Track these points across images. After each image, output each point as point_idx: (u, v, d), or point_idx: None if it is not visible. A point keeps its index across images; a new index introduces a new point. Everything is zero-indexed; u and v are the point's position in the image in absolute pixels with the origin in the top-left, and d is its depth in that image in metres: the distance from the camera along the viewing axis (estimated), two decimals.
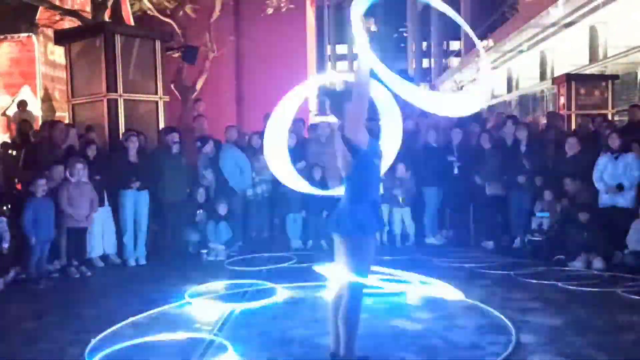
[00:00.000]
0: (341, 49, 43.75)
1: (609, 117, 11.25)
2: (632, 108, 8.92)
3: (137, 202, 7.46)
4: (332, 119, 4.54)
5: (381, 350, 4.15)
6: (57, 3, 11.92)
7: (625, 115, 10.49)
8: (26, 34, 13.18)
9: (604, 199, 7.02)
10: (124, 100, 8.26)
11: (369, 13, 3.67)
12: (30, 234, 6.39)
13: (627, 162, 6.89)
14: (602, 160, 7.08)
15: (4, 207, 6.58)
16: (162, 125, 8.68)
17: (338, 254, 3.65)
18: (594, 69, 15.08)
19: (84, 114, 8.64)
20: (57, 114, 13.06)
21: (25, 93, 12.72)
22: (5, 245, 6.27)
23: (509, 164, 7.80)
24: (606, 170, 6.99)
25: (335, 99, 3.62)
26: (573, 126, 11.07)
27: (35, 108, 12.67)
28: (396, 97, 3.70)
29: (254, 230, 8.49)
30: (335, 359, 3.70)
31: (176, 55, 11.35)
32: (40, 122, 11.67)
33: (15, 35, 13.21)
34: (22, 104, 11.72)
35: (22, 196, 6.82)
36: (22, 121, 9.75)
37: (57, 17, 12.02)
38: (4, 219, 6.36)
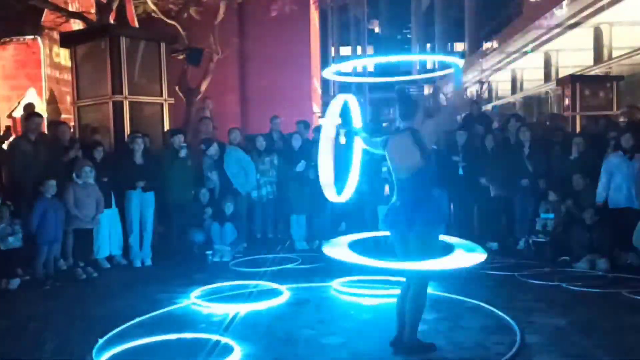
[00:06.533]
0: (345, 50, 43.75)
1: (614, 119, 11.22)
2: (631, 109, 8.87)
3: (142, 203, 7.50)
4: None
5: (385, 350, 4.15)
6: (62, 5, 11.96)
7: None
8: (31, 37, 13.21)
9: (615, 200, 6.88)
10: (129, 102, 8.30)
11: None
12: (37, 234, 6.42)
13: None
14: (614, 160, 6.91)
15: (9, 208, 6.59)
16: (167, 127, 8.72)
17: None
18: (598, 70, 15.04)
19: (89, 116, 8.67)
20: (63, 116, 13.11)
21: (30, 95, 12.77)
22: (17, 244, 6.31)
23: (513, 167, 7.79)
24: (619, 171, 6.83)
25: (410, 105, 4.06)
26: (578, 127, 11.04)
27: (41, 110, 12.71)
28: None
29: (259, 231, 8.51)
30: (398, 346, 4.04)
31: (181, 57, 11.38)
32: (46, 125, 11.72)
33: (21, 38, 13.24)
34: (30, 107, 11.76)
35: (26, 197, 6.84)
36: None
37: (63, 20, 12.06)
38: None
